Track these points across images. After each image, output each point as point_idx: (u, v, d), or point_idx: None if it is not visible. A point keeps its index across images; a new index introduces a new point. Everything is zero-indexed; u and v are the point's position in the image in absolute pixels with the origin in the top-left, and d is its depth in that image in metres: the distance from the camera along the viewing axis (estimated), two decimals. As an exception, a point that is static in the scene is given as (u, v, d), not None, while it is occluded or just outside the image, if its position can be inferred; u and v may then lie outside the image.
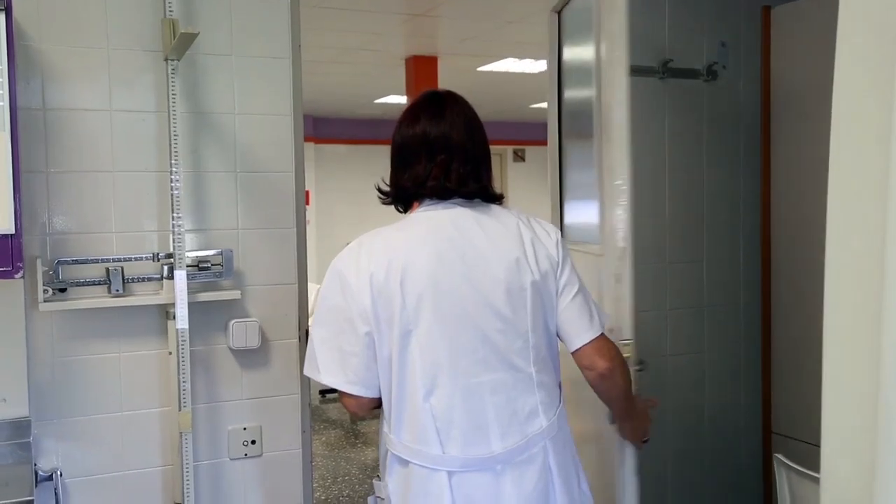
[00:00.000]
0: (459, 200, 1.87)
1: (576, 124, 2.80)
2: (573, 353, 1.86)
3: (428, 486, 1.75)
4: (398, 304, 1.75)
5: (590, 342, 1.84)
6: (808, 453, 2.09)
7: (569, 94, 2.88)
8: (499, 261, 1.79)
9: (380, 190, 1.96)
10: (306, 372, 1.88)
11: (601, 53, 2.26)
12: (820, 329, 1.54)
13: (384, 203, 1.97)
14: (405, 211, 1.94)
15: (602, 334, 1.87)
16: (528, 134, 12.73)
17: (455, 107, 1.92)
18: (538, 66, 8.15)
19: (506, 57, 7.96)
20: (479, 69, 8.49)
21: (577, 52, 2.83)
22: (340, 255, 1.86)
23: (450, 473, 1.74)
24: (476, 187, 1.88)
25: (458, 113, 1.91)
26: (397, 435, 1.80)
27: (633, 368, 2.05)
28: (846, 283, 1.32)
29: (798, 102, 2.64)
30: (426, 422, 1.74)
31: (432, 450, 1.75)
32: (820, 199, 1.37)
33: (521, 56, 7.91)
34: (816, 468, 1.94)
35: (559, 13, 2.92)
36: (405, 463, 1.79)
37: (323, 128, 10.99)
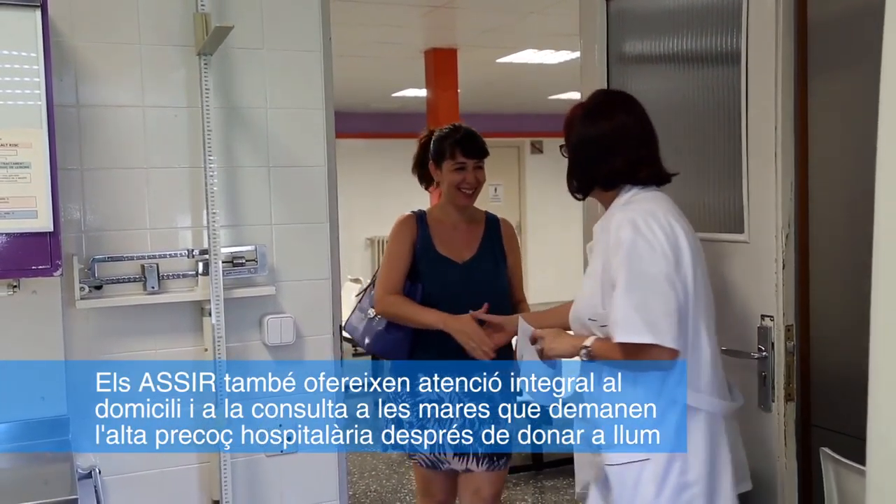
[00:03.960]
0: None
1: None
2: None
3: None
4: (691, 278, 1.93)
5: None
6: (851, 446, 2.05)
7: (633, 85, 2.82)
8: None
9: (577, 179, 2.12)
10: (636, 339, 1.89)
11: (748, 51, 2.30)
12: (862, 319, 1.51)
13: (575, 193, 2.14)
14: (583, 198, 2.14)
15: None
16: (546, 126, 12.66)
17: (637, 103, 2.12)
18: (558, 56, 8.10)
19: (525, 48, 7.91)
20: (498, 61, 8.45)
21: (641, 45, 2.81)
22: (624, 226, 1.92)
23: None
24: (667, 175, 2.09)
25: (641, 108, 2.11)
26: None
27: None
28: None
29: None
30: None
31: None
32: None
33: (540, 47, 7.86)
34: (861, 461, 1.91)
35: (608, 2, 2.87)
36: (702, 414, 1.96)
37: (339, 122, 10.95)
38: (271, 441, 2.54)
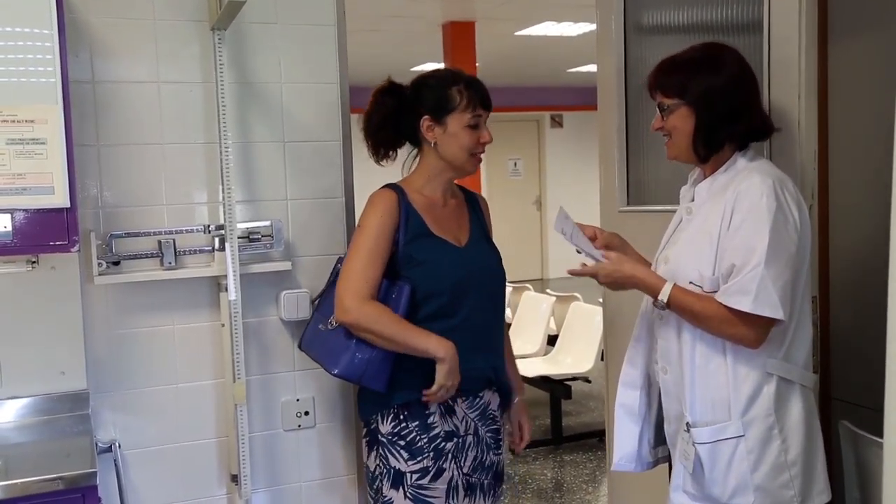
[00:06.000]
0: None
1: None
2: None
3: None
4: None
5: None
6: (870, 419, 2.04)
7: (651, 58, 2.80)
8: None
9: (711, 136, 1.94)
10: (769, 313, 1.79)
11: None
12: (882, 291, 1.48)
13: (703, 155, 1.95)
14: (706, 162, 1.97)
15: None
16: (565, 99, 12.57)
17: None
18: (578, 28, 8.03)
19: (544, 20, 7.84)
20: (517, 34, 8.39)
21: (659, 15, 2.77)
22: (767, 193, 1.82)
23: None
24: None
25: None
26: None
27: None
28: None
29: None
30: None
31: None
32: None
33: (559, 19, 7.78)
34: (880, 433, 1.90)
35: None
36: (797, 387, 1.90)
37: (357, 97, 10.92)
38: (290, 418, 2.57)
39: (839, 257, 2.49)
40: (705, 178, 2.00)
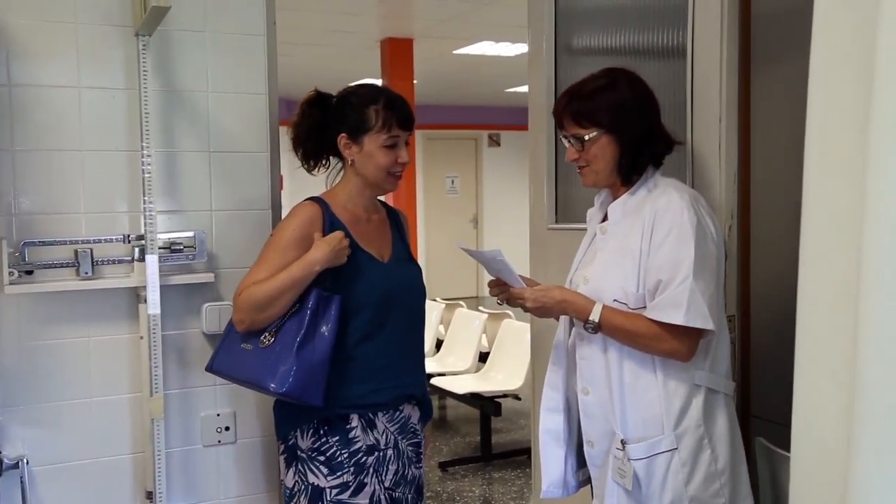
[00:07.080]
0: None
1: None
2: None
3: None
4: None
5: None
6: (787, 435, 2.08)
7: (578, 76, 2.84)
8: None
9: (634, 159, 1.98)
10: (700, 324, 1.81)
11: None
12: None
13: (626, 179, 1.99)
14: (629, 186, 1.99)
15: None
16: (503, 118, 12.69)
17: None
18: (515, 49, 8.11)
19: (482, 40, 7.91)
20: (455, 52, 8.44)
21: (588, 38, 2.81)
22: (687, 207, 1.86)
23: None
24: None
25: None
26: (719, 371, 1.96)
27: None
28: (821, 264, 1.31)
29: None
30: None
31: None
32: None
33: (497, 39, 7.86)
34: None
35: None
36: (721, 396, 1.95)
37: (293, 110, 10.82)
38: (210, 433, 2.51)
39: (759, 278, 2.54)
40: (614, 198, 2.03)
